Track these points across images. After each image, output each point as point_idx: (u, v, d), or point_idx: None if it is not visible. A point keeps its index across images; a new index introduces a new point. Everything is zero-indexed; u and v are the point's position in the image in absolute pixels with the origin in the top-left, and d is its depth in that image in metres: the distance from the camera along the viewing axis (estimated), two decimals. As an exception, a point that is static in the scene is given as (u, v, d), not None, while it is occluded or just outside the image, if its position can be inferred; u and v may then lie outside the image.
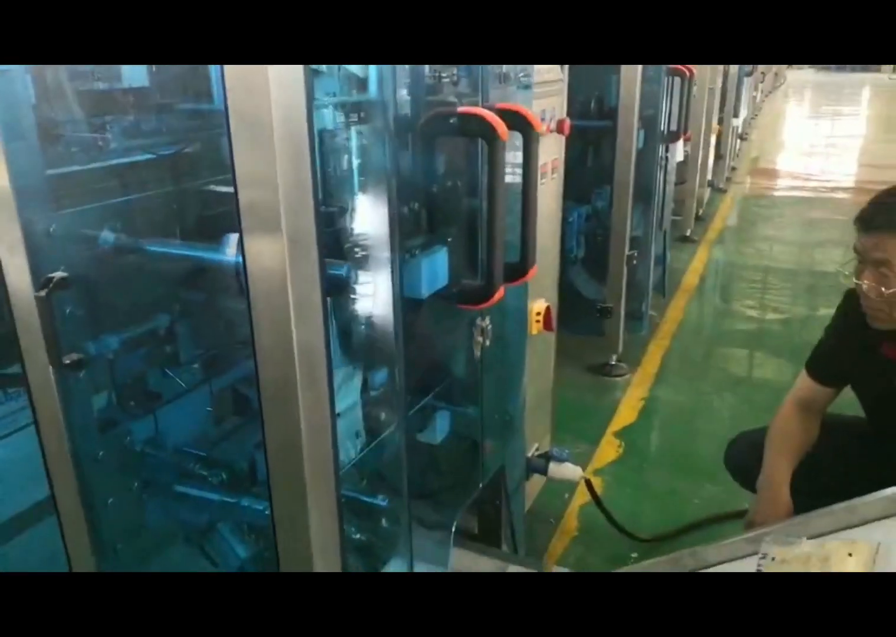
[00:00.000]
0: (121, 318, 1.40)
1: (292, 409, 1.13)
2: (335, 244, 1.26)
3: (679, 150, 4.02)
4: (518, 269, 1.46)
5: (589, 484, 2.24)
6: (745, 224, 6.79)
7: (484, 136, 1.23)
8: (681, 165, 5.76)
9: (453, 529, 1.53)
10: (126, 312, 1.41)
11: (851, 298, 1.73)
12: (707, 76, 5.45)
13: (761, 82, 13.74)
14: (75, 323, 1.32)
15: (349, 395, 1.41)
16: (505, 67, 1.55)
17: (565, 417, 3.14)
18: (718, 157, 7.44)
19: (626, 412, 3.19)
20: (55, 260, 1.27)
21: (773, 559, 1.37)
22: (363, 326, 1.30)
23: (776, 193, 8.06)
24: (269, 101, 0.95)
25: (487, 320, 1.50)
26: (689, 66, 3.35)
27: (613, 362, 3.54)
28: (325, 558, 1.26)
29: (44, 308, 1.24)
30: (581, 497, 2.53)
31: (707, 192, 6.48)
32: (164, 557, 1.88)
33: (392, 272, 1.18)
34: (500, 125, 1.22)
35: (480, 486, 1.69)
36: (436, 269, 1.52)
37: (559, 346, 3.68)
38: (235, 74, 0.96)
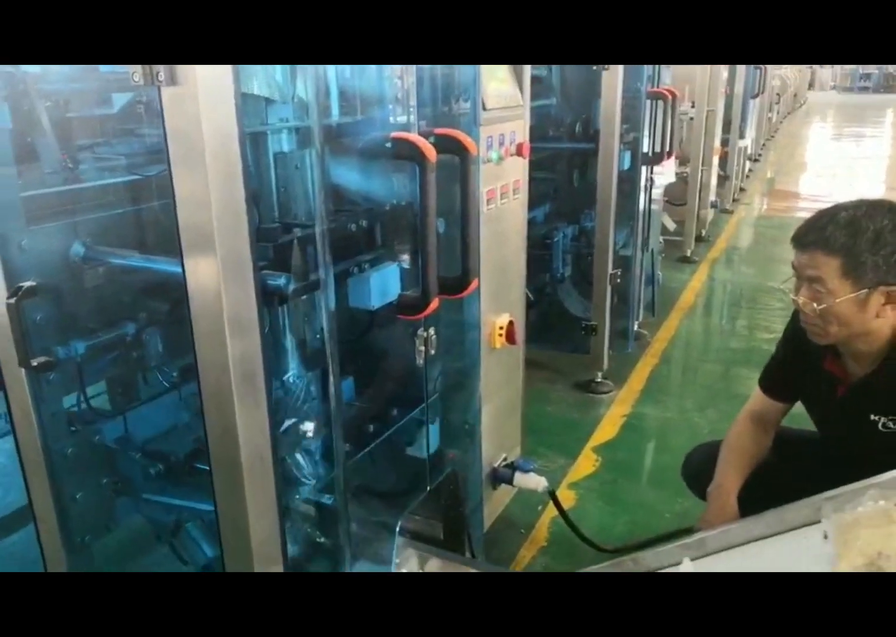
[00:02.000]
0: (89, 324, 1.51)
1: (229, 415, 1.22)
2: (277, 257, 1.37)
3: (669, 171, 4.10)
4: (460, 283, 1.55)
5: (553, 495, 2.31)
6: (749, 245, 6.84)
7: (414, 159, 1.33)
8: (680, 186, 5.86)
9: (397, 530, 1.61)
10: (94, 320, 1.52)
11: (798, 315, 1.80)
12: (705, 98, 5.53)
13: (777, 103, 13.80)
14: (45, 328, 1.43)
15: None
16: (454, 92, 1.66)
17: (547, 432, 3.23)
18: (724, 178, 7.52)
19: (607, 428, 3.25)
20: (26, 271, 1.40)
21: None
22: (303, 335, 1.40)
23: (786, 215, 8.07)
24: (199, 123, 1.06)
25: (432, 331, 1.60)
26: (671, 89, 3.44)
27: (599, 379, 3.60)
28: (265, 556, 1.34)
29: (13, 314, 1.36)
30: (553, 509, 2.59)
31: (711, 213, 6.54)
32: (135, 554, 1.99)
33: (325, 284, 1.28)
34: (428, 149, 1.32)
35: (428, 489, 1.78)
36: (386, 282, 1.62)
37: (547, 362, 3.79)
38: (170, 96, 1.06)
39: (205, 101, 1.05)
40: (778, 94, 13.79)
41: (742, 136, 7.38)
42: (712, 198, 6.44)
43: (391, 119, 1.54)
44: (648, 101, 3.40)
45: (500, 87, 1.95)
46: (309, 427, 1.44)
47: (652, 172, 3.62)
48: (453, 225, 1.62)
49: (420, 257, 1.39)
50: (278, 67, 1.46)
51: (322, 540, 1.52)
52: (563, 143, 3.59)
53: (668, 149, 3.47)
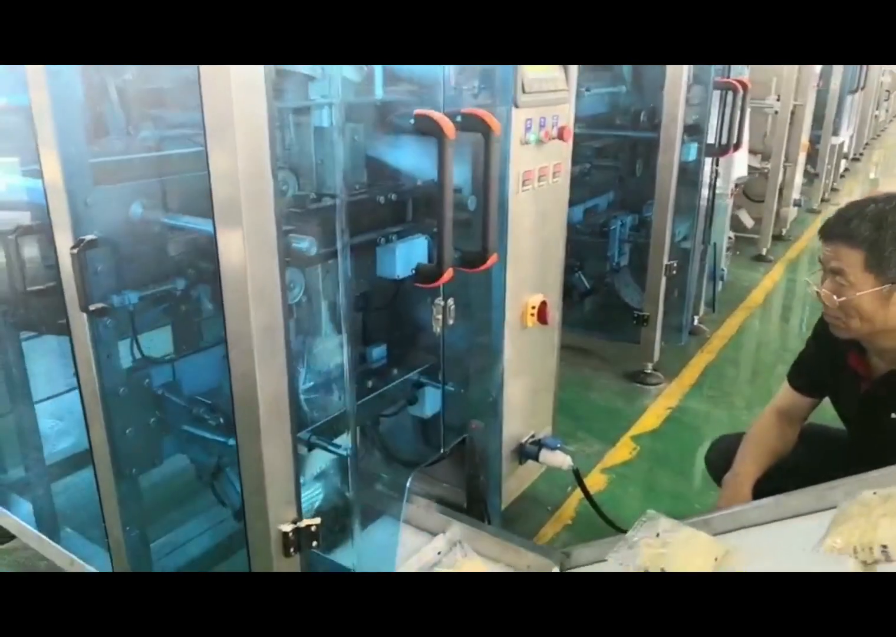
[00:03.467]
0: (142, 278, 1.68)
1: (249, 361, 1.34)
2: (307, 222, 1.49)
3: (740, 164, 4.03)
4: (479, 258, 1.64)
5: (577, 474, 2.37)
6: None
7: (434, 134, 1.42)
8: (760, 182, 5.71)
9: (408, 485, 1.72)
10: (147, 274, 1.69)
11: None
12: (792, 92, 5.36)
13: (886, 100, 13.09)
14: (103, 278, 1.60)
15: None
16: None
17: (587, 418, 3.28)
18: (813, 176, 7.25)
19: (650, 419, 3.26)
20: (90, 226, 1.57)
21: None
22: (330, 297, 1.52)
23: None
24: (230, 101, 1.18)
25: (450, 301, 1.69)
26: (742, 79, 3.38)
27: (649, 371, 3.61)
28: (280, 495, 1.47)
29: (76, 263, 1.53)
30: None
31: (794, 211, 6.33)
32: (178, 490, 2.18)
33: (341, 252, 1.39)
34: (447, 125, 1.41)
35: (442, 451, 1.88)
36: (412, 254, 1.73)
37: (597, 350, 3.82)
38: (206, 77, 1.19)
39: (235, 80, 1.17)
40: (888, 91, 13.09)
41: (836, 133, 7.09)
42: (796, 196, 6.23)
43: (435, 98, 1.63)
44: (717, 92, 3.36)
45: (543, 71, 2.00)
46: (321, 376, 1.56)
47: (717, 165, 3.58)
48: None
49: (437, 230, 1.48)
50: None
51: (335, 486, 1.65)
52: (627, 131, 3.59)
53: (734, 141, 3.41)
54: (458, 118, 1.58)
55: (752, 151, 5.90)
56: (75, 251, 1.52)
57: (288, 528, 1.47)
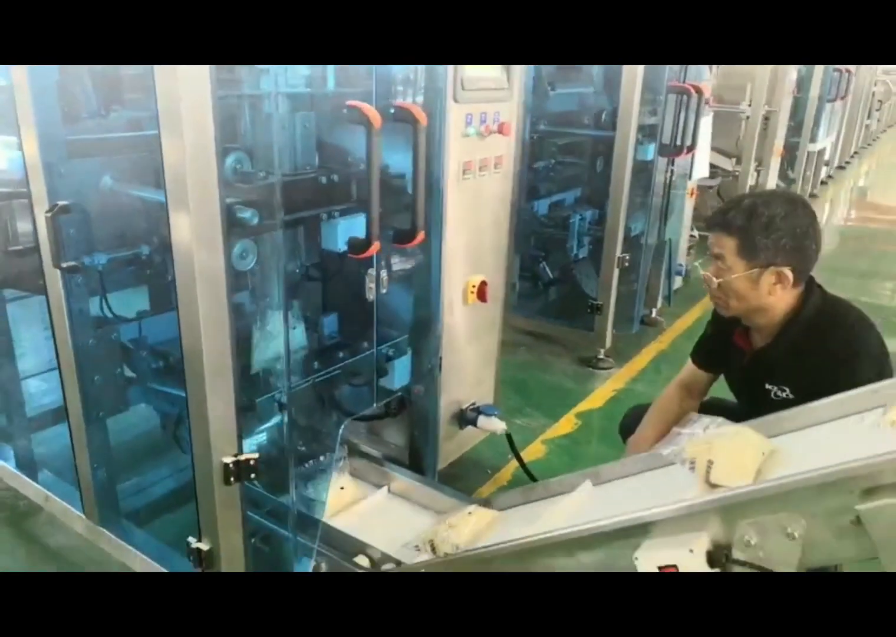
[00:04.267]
0: (111, 242, 1.91)
1: (194, 314, 1.56)
2: (250, 196, 1.71)
3: (701, 165, 4.25)
4: (408, 235, 1.86)
5: (510, 438, 2.60)
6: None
7: (362, 123, 1.64)
8: (732, 184, 5.93)
9: (339, 434, 1.95)
10: (116, 239, 1.91)
11: None
12: (762, 98, 5.57)
13: (877, 110, 13.27)
14: (75, 240, 1.83)
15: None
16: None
17: (538, 396, 3.51)
18: (790, 181, 7.46)
19: (596, 399, 3.49)
20: (64, 193, 1.79)
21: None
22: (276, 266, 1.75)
23: (857, 225, 7.94)
24: (178, 95, 1.40)
25: (384, 273, 1.92)
26: (696, 85, 3.59)
27: (601, 356, 3.84)
28: (222, 431, 1.69)
29: (49, 224, 1.76)
30: (523, 456, 2.88)
31: (766, 213, 6.53)
32: (144, 439, 2.41)
33: (278, 223, 1.62)
34: (373, 115, 1.63)
35: (374, 406, 2.12)
36: (353, 230, 1.95)
37: (558, 337, 4.05)
38: (158, 71, 1.41)
39: (182, 75, 1.39)
40: (880, 101, 13.27)
41: (813, 140, 7.30)
42: (769, 199, 6.43)
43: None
44: (674, 96, 3.57)
45: (483, 70, 2.22)
46: (268, 336, 1.79)
47: (673, 165, 3.79)
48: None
49: (367, 208, 1.71)
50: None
51: (273, 435, 1.88)
52: (590, 130, 3.81)
53: (688, 143, 3.63)
54: (392, 110, 1.80)
55: (726, 154, 6.14)
56: (49, 215, 1.75)
57: (229, 460, 1.70)
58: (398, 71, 2.05)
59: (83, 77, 1.78)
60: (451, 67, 2.06)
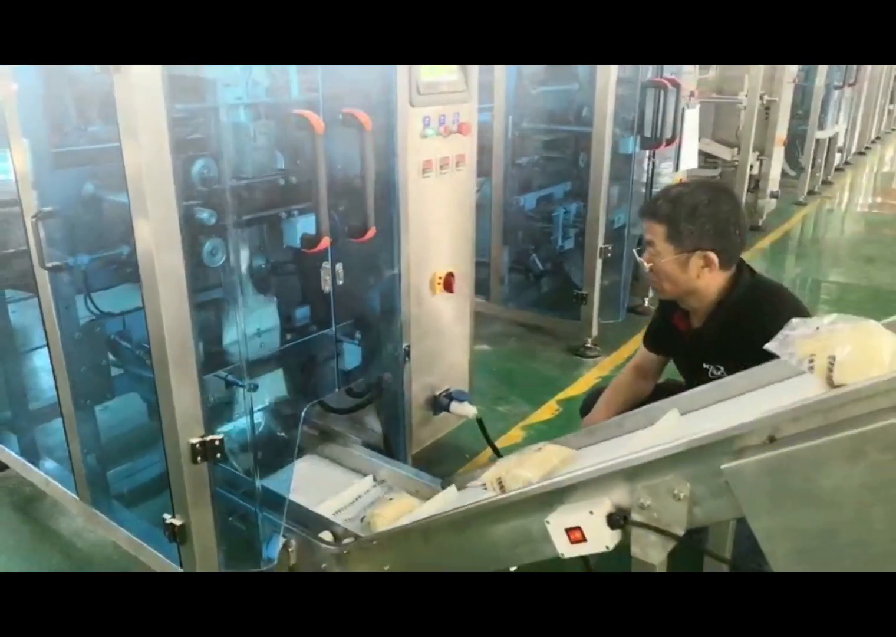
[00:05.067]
0: (93, 243, 2.07)
1: (155, 305, 1.72)
2: (208, 200, 1.86)
3: (688, 156, 4.31)
4: (360, 230, 2.00)
5: (480, 422, 2.72)
6: (809, 239, 6.82)
7: (306, 130, 1.78)
8: (733, 174, 5.97)
9: (301, 416, 2.10)
10: (97, 240, 2.07)
11: None
12: (758, 87, 5.60)
13: (900, 95, 13.07)
14: (60, 242, 2.00)
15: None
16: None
17: (523, 384, 3.63)
18: (800, 168, 7.46)
19: (580, 386, 3.60)
20: (49, 200, 1.96)
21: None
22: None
23: (869, 211, 7.89)
24: (134, 103, 1.55)
25: (339, 266, 2.05)
26: (672, 79, 3.67)
27: (588, 345, 3.94)
28: (187, 414, 1.84)
29: (34, 228, 1.93)
30: (500, 442, 3.00)
31: (772, 203, 6.56)
32: (129, 423, 2.57)
33: (233, 221, 1.77)
34: (317, 122, 1.77)
35: (336, 390, 2.26)
36: (310, 227, 2.09)
37: (548, 327, 4.16)
38: (116, 81, 1.56)
39: (138, 85, 1.54)
40: (902, 86, 13.08)
41: (821, 127, 7.28)
42: (773, 188, 6.46)
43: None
44: (651, 90, 3.66)
45: (439, 74, 2.35)
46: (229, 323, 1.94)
47: (654, 157, 3.88)
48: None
49: (314, 207, 1.85)
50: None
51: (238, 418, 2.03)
52: (571, 125, 3.91)
53: (667, 135, 3.71)
54: (340, 116, 1.94)
55: (728, 144, 6.17)
56: (35, 219, 1.92)
57: (195, 440, 1.85)
58: (353, 79, 2.17)
59: (65, 93, 1.95)
60: (404, 73, 2.19)
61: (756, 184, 6.37)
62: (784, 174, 7.30)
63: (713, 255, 1.87)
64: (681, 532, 1.31)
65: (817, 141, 7.40)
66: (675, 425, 1.72)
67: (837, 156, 8.78)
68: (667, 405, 1.82)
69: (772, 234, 6.51)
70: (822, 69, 6.95)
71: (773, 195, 6.51)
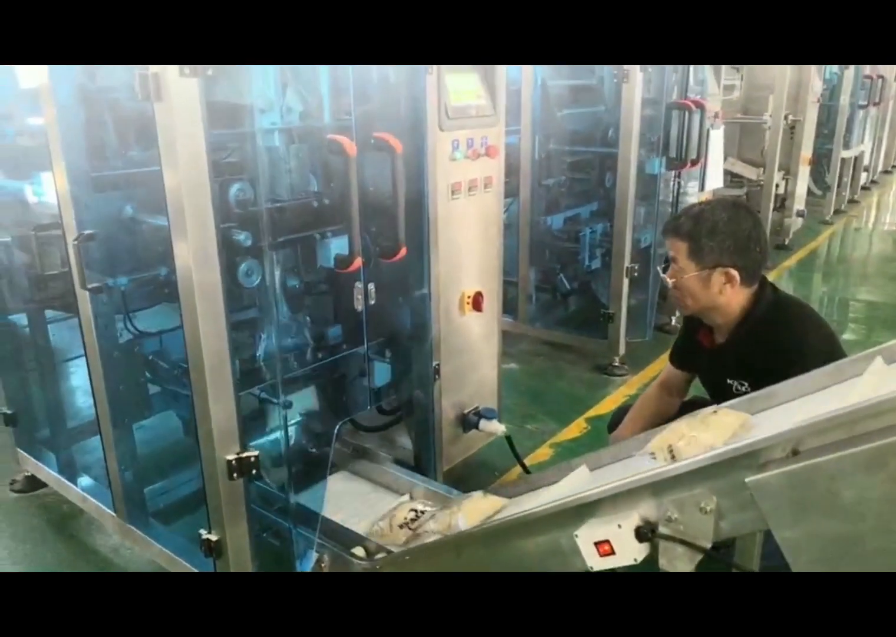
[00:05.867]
0: (131, 265, 2.14)
1: (194, 326, 1.78)
2: (244, 222, 1.93)
3: (714, 176, 4.33)
4: (391, 250, 2.06)
5: (509, 440, 2.74)
6: (835, 258, 6.76)
7: (339, 154, 1.85)
8: (755, 193, 5.97)
9: (335, 432, 2.14)
10: (135, 261, 2.15)
11: None
12: (782, 107, 5.62)
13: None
14: (100, 264, 2.08)
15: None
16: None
17: (551, 402, 3.65)
18: (826, 187, 7.43)
19: (607, 404, 3.60)
20: (90, 223, 2.04)
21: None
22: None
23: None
24: (174, 129, 1.63)
25: (371, 286, 2.10)
26: (697, 100, 3.71)
27: (616, 363, 3.95)
28: (224, 431, 1.89)
29: (76, 251, 2.01)
30: (530, 460, 3.02)
31: (798, 221, 6.54)
32: (170, 444, 2.63)
33: (268, 244, 1.83)
34: (350, 146, 1.83)
35: (368, 408, 2.30)
36: (343, 248, 2.15)
37: (576, 346, 4.17)
38: (158, 109, 1.63)
39: (178, 113, 1.62)
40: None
41: (847, 147, 7.26)
42: (799, 207, 6.44)
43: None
44: (676, 111, 3.70)
45: (468, 99, 2.41)
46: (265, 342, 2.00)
47: (679, 177, 3.91)
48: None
49: (348, 228, 1.91)
50: (271, 83, 2.03)
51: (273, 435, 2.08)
52: (598, 146, 3.96)
53: (692, 156, 3.74)
54: (372, 140, 2.00)
55: (753, 164, 6.18)
56: (76, 242, 2.00)
57: (231, 457, 1.90)
58: (384, 104, 2.24)
59: (105, 119, 2.04)
60: (434, 98, 2.25)
61: (782, 203, 6.36)
62: (811, 193, 7.29)
63: (734, 272, 1.90)
64: (707, 545, 1.32)
65: (843, 160, 7.38)
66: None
67: (864, 175, 8.73)
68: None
69: (798, 253, 6.47)
70: (847, 88, 6.95)
71: (799, 214, 6.49)
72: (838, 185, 7.55)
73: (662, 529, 1.38)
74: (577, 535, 1.46)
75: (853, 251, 7.00)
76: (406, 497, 2.34)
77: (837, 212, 7.80)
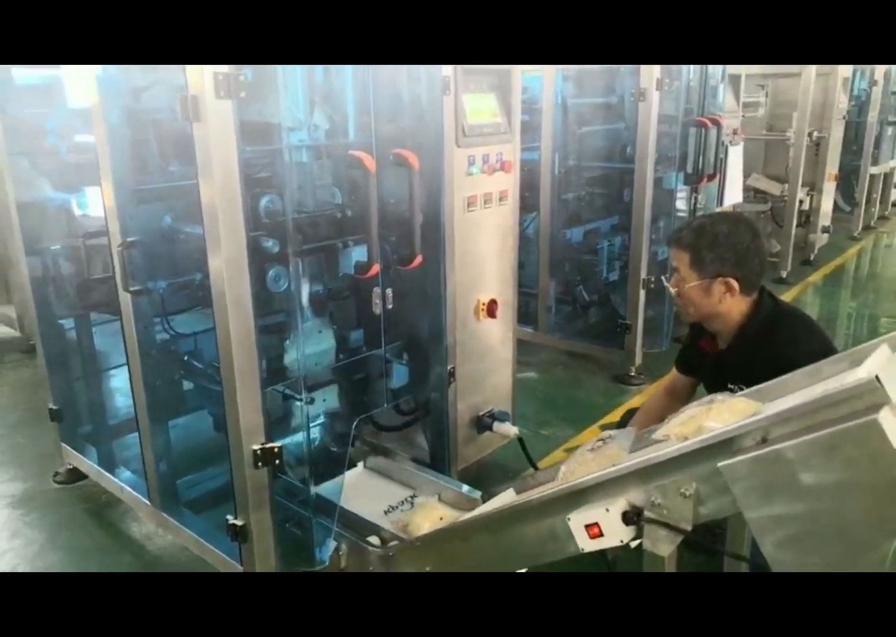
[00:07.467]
0: (169, 270, 2.32)
1: (226, 331, 1.94)
2: (272, 231, 2.09)
3: (733, 191, 4.43)
4: (407, 258, 2.20)
5: (521, 441, 2.86)
6: (866, 272, 6.76)
7: (360, 168, 2.00)
8: (780, 209, 6.02)
9: (352, 430, 2.29)
10: (173, 267, 2.33)
11: None
12: (805, 124, 5.67)
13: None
14: (141, 269, 2.26)
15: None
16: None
17: (567, 409, 3.76)
18: (854, 204, 7.44)
19: (622, 412, 3.69)
20: (133, 231, 2.23)
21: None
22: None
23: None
24: (209, 147, 1.79)
25: (389, 291, 2.25)
26: (714, 117, 3.82)
27: (633, 373, 4.05)
28: (251, 424, 2.05)
29: (120, 257, 2.19)
30: (543, 462, 3.13)
31: (823, 237, 6.56)
32: (202, 440, 2.79)
33: (293, 251, 1.99)
34: (369, 162, 1.99)
35: (385, 406, 2.44)
36: (364, 256, 2.30)
37: (594, 356, 4.28)
38: (196, 128, 1.81)
39: (214, 131, 1.79)
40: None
41: (875, 163, 7.27)
42: (825, 223, 6.47)
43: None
44: (693, 128, 3.82)
45: (485, 118, 2.56)
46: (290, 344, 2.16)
47: (697, 192, 4.01)
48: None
49: (367, 237, 2.06)
50: (300, 103, 2.20)
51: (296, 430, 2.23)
52: (616, 163, 4.09)
53: (709, 171, 3.85)
54: (391, 156, 2.16)
55: (778, 180, 6.24)
56: (120, 248, 2.18)
57: (257, 447, 2.06)
58: (403, 122, 2.40)
59: (148, 137, 2.22)
60: (451, 117, 2.40)
61: (807, 218, 6.39)
62: (839, 209, 7.30)
63: (734, 282, 2.00)
64: (688, 527, 1.43)
65: (872, 176, 7.38)
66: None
67: (894, 191, 8.68)
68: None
69: (823, 269, 6.49)
70: (875, 105, 6.98)
71: (825, 230, 6.51)
72: (867, 202, 7.54)
73: (647, 513, 1.50)
74: (569, 519, 1.58)
75: (883, 268, 6.99)
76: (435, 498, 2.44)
77: (867, 228, 7.79)
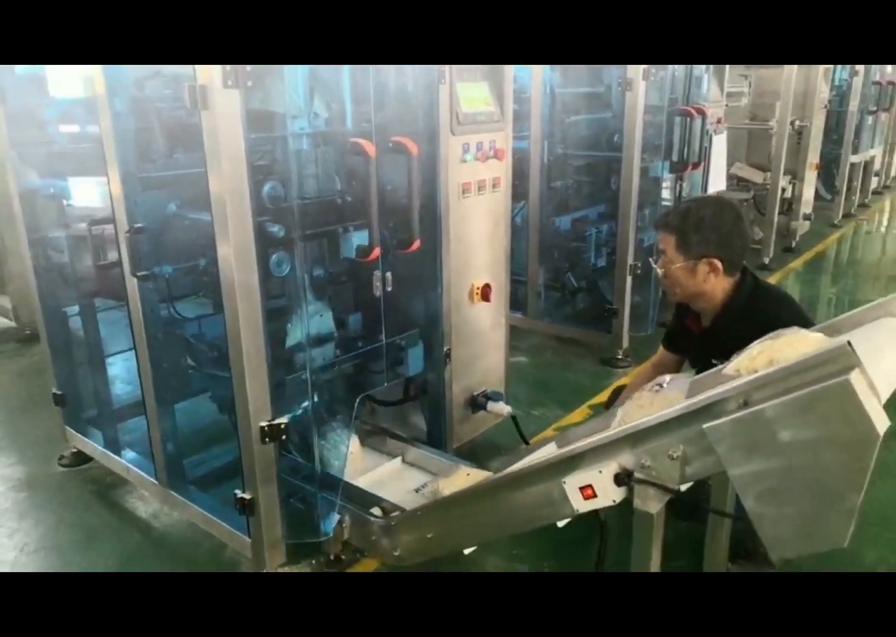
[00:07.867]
0: (174, 256, 2.40)
1: (234, 319, 2.03)
2: (275, 217, 2.17)
3: (717, 179, 4.54)
4: (406, 242, 2.29)
5: (514, 419, 2.97)
6: (841, 259, 6.91)
7: (361, 155, 2.09)
8: (762, 197, 6.15)
9: (356, 404, 2.38)
10: (178, 252, 2.40)
11: None
12: (787, 113, 5.80)
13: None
14: (148, 255, 2.33)
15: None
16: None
17: (557, 391, 3.87)
18: (835, 191, 7.59)
19: (609, 393, 3.80)
20: (139, 218, 2.30)
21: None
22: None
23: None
24: (217, 135, 1.87)
25: (388, 274, 2.34)
26: (698, 107, 3.93)
27: (620, 356, 4.16)
28: (258, 401, 2.13)
29: (128, 243, 2.26)
30: (534, 440, 3.23)
31: (805, 225, 6.70)
32: (207, 421, 2.88)
33: (298, 235, 2.07)
34: (370, 148, 2.08)
35: (385, 384, 2.54)
36: (364, 241, 2.39)
37: (583, 341, 4.39)
38: (204, 117, 1.88)
39: (222, 119, 1.86)
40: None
41: (855, 152, 7.41)
42: (806, 211, 6.60)
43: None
44: (678, 118, 3.92)
45: (478, 106, 2.65)
46: (295, 325, 2.24)
47: (682, 179, 4.12)
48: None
49: (368, 222, 2.15)
50: (301, 92, 2.27)
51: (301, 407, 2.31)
52: (603, 151, 4.19)
53: (693, 159, 3.96)
54: (391, 143, 2.25)
55: (761, 168, 6.37)
56: (127, 234, 2.26)
57: (264, 423, 2.15)
58: (401, 110, 2.48)
59: (152, 125, 2.30)
60: (446, 105, 2.49)
61: (789, 206, 6.53)
62: (820, 197, 7.44)
63: (718, 262, 2.11)
64: (675, 486, 1.54)
65: (852, 165, 7.53)
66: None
67: (874, 179, 8.85)
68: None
69: (805, 255, 6.64)
70: (855, 95, 7.12)
71: (807, 217, 6.65)
72: (847, 190, 7.70)
73: (637, 475, 1.61)
74: (564, 482, 1.69)
75: (863, 254, 7.14)
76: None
77: (847, 215, 7.94)
